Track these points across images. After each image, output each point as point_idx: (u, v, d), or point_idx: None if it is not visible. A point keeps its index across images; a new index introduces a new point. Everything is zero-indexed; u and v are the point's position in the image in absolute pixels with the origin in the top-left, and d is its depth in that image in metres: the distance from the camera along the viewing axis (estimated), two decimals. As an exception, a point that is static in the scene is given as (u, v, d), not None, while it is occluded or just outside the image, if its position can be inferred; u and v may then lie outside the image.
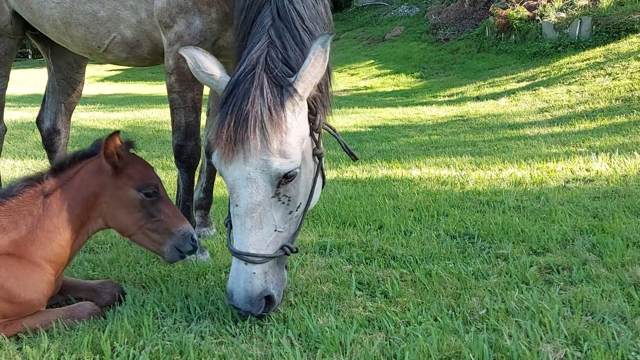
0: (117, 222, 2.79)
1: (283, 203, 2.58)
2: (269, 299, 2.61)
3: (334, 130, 2.89)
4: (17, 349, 2.50)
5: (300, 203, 2.67)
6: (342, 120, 11.50)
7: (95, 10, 3.50)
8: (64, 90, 4.49)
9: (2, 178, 4.64)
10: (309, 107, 2.65)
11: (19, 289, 2.57)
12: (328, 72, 2.75)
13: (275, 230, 2.59)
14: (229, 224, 2.76)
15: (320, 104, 2.71)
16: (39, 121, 4.54)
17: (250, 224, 2.52)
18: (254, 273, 2.54)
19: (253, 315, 2.63)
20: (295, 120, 2.52)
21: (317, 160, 2.77)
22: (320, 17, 2.85)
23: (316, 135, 2.73)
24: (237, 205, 2.54)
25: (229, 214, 2.70)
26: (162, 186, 2.86)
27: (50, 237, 2.68)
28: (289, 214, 2.62)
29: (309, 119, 2.66)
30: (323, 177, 2.89)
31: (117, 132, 2.69)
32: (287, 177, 2.51)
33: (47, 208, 2.70)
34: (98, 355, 2.42)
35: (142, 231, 2.78)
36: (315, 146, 2.73)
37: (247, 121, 2.43)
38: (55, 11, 3.65)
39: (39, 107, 4.61)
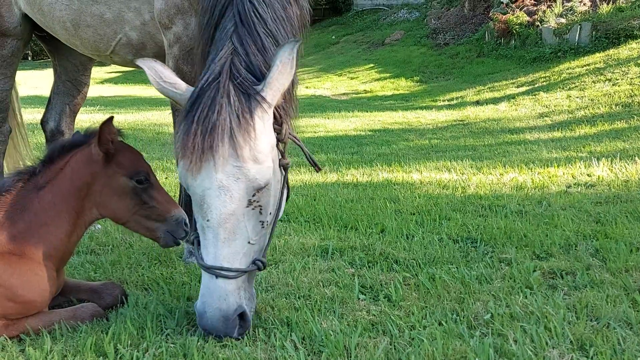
0: (110, 211, 2.78)
1: (256, 212, 2.48)
2: (242, 317, 2.50)
3: (299, 140, 2.80)
4: (20, 351, 2.48)
5: (270, 213, 2.58)
6: (342, 124, 11.50)
7: (102, 12, 3.52)
8: (69, 91, 4.50)
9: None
10: (274, 117, 2.58)
11: (22, 287, 2.55)
12: (293, 80, 2.69)
13: (249, 243, 2.48)
14: (195, 241, 2.61)
15: (285, 113, 2.65)
16: (43, 122, 4.54)
17: (224, 235, 2.41)
18: (229, 289, 2.42)
19: (227, 336, 2.50)
20: (264, 128, 2.45)
21: (283, 172, 2.70)
22: (288, 20, 2.79)
23: (282, 146, 2.67)
24: (208, 219, 2.41)
25: (195, 230, 2.60)
26: (153, 173, 2.84)
27: (48, 230, 2.66)
28: (261, 224, 2.52)
29: (274, 129, 2.57)
30: (288, 189, 2.82)
31: (111, 119, 2.64)
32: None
33: (43, 201, 2.67)
34: (101, 357, 2.42)
35: (135, 218, 2.76)
36: (280, 157, 2.66)
37: (215, 129, 2.35)
38: (64, 13, 3.67)
39: (39, 109, 4.61)
